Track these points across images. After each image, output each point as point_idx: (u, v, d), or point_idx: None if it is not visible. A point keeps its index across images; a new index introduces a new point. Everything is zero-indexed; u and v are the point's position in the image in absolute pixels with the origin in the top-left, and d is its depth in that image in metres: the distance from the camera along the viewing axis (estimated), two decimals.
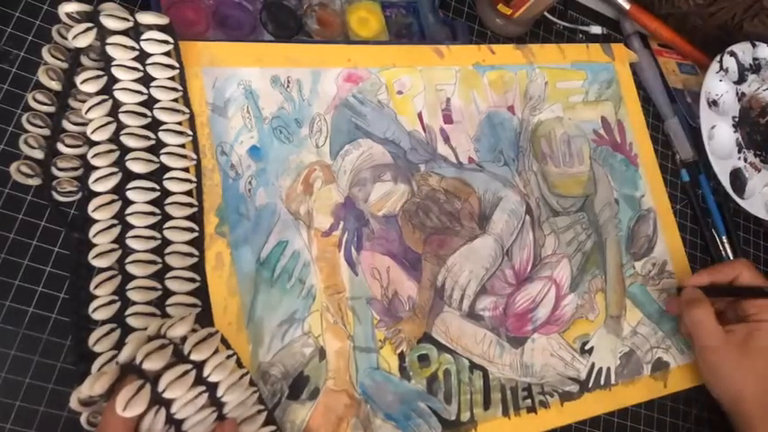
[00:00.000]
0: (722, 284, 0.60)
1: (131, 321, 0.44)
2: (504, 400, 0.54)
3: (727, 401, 0.58)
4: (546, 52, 0.67)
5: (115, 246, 0.45)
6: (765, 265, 0.74)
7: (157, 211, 0.47)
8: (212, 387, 0.41)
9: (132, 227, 0.46)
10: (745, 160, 0.72)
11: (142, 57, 0.48)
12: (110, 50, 0.47)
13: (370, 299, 0.52)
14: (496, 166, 0.61)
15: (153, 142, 0.47)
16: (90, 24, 0.47)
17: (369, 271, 0.53)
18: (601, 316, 0.61)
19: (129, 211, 0.46)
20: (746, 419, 0.56)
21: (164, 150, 0.47)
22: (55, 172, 0.46)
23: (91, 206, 0.45)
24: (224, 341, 0.43)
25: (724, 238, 0.71)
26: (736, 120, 0.73)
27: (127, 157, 0.46)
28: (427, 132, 0.59)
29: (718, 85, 0.73)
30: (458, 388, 0.53)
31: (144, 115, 0.47)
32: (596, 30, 0.73)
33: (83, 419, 0.42)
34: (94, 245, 0.44)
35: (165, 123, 0.48)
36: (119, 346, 0.42)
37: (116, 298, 0.44)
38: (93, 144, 0.46)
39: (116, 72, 0.47)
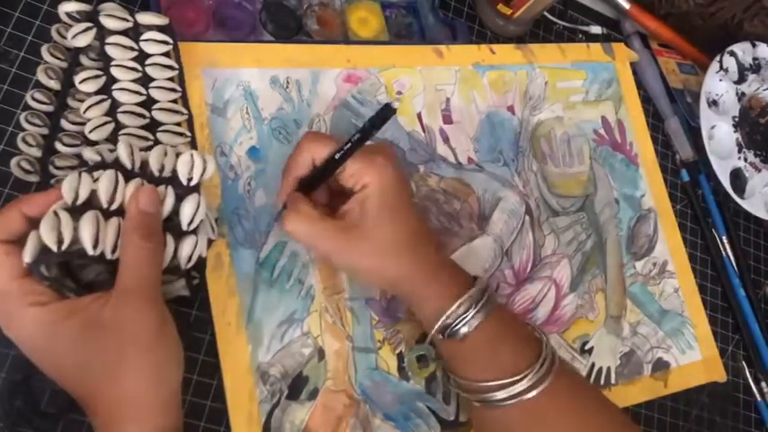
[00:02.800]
0: (311, 174, 0.48)
1: None
2: None
3: (392, 290, 0.51)
4: (546, 52, 0.67)
5: None
6: (766, 265, 0.74)
7: None
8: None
9: None
10: (746, 160, 0.72)
11: (141, 57, 0.48)
12: (109, 50, 0.47)
13: (368, 299, 0.52)
14: (496, 166, 0.61)
15: (151, 143, 0.47)
16: (89, 24, 0.46)
17: None
18: (601, 316, 0.61)
19: None
20: (416, 294, 0.48)
21: None
22: (53, 171, 0.46)
23: None
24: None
25: (724, 238, 0.71)
26: (737, 120, 0.73)
27: None
28: (426, 133, 0.59)
29: (718, 84, 0.72)
30: None
31: (142, 116, 0.47)
32: (596, 30, 0.73)
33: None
34: None
35: (164, 124, 0.48)
36: None
37: None
38: (91, 143, 0.45)
39: (115, 72, 0.47)
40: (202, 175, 0.42)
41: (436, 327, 0.47)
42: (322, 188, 0.49)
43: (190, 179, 0.42)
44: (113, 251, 0.39)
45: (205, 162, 0.42)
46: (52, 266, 0.39)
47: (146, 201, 0.40)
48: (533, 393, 0.45)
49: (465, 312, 0.46)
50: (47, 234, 0.37)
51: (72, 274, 0.40)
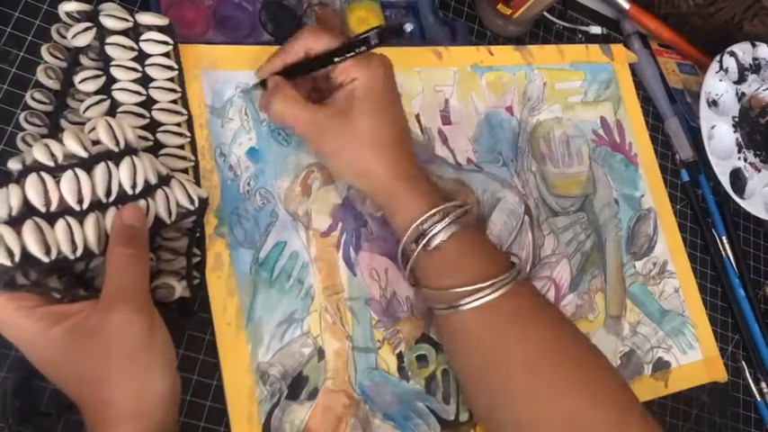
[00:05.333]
0: (299, 62, 0.50)
1: None
2: None
3: (366, 186, 0.50)
4: (545, 53, 0.67)
5: None
6: (766, 265, 0.74)
7: None
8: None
9: None
10: (745, 160, 0.72)
11: (141, 57, 0.48)
12: (109, 50, 0.47)
13: (368, 299, 0.52)
14: (495, 166, 0.61)
15: (151, 143, 0.47)
16: (89, 24, 0.47)
17: (367, 272, 0.53)
18: (601, 316, 0.61)
19: None
20: (392, 195, 0.49)
21: (162, 151, 0.47)
22: None
23: None
24: None
25: (724, 238, 0.71)
26: (736, 120, 0.73)
27: None
28: (425, 134, 0.59)
29: (718, 84, 0.72)
30: (456, 388, 0.53)
31: (142, 116, 0.47)
32: (596, 30, 0.73)
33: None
34: None
35: (164, 124, 0.48)
36: None
37: None
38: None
39: (115, 72, 0.47)
40: (126, 135, 0.41)
41: (411, 230, 0.47)
42: (306, 83, 0.51)
43: (117, 143, 0.41)
44: (99, 246, 0.39)
45: (120, 123, 0.42)
46: (30, 273, 0.39)
47: (129, 215, 0.40)
48: (493, 297, 0.46)
49: (441, 221, 0.47)
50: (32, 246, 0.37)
51: (61, 271, 0.40)
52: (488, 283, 0.46)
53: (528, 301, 0.49)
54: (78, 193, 0.39)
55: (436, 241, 0.47)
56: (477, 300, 0.46)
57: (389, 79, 0.50)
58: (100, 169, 0.40)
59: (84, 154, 0.40)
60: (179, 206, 0.43)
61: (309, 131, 0.49)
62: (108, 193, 0.40)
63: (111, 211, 0.40)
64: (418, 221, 0.47)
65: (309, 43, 0.49)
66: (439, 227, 0.47)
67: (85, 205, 0.39)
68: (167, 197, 0.42)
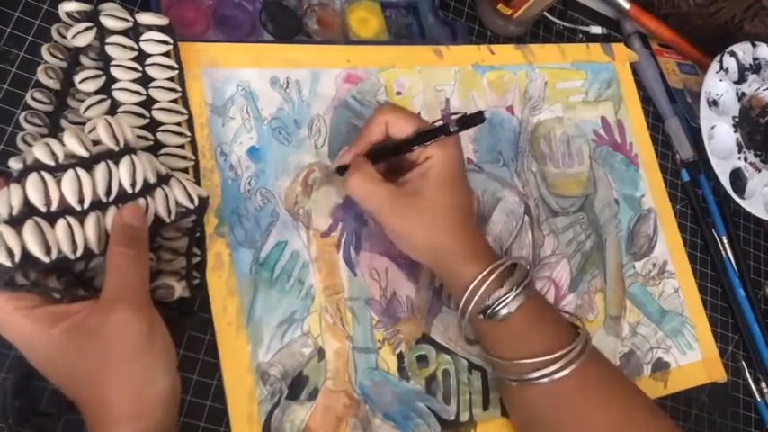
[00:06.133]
0: (380, 149, 0.51)
1: None
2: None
3: (432, 261, 0.51)
4: (546, 52, 0.66)
5: None
6: (766, 265, 0.74)
7: None
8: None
9: None
10: (746, 160, 0.72)
11: (141, 57, 0.48)
12: (109, 50, 0.47)
13: (368, 299, 0.52)
14: (495, 166, 0.61)
15: (151, 143, 0.47)
16: (90, 24, 0.47)
17: (367, 272, 0.53)
18: (600, 316, 0.61)
19: None
20: (456, 270, 0.49)
21: (162, 151, 0.47)
22: None
23: None
24: None
25: (724, 238, 0.71)
26: (737, 120, 0.73)
27: None
28: None
29: (718, 84, 0.72)
30: (456, 388, 0.53)
31: (142, 116, 0.47)
32: (596, 30, 0.73)
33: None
34: None
35: (164, 124, 0.48)
36: None
37: None
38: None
39: (115, 72, 0.47)
40: (125, 134, 0.41)
41: (473, 305, 0.48)
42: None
43: (117, 143, 0.41)
44: (99, 245, 0.39)
45: (119, 121, 0.41)
46: (29, 272, 0.39)
47: (129, 214, 0.40)
48: (564, 373, 0.47)
49: (506, 295, 0.47)
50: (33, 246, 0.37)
51: (60, 271, 0.40)
52: (557, 355, 0.47)
53: (596, 377, 0.49)
54: (79, 193, 0.39)
55: (503, 313, 0.47)
56: (547, 376, 0.47)
57: (461, 158, 0.51)
58: (100, 168, 0.40)
59: (84, 153, 0.40)
60: (178, 205, 0.43)
61: (384, 211, 0.49)
62: (108, 193, 0.40)
63: (111, 211, 0.40)
64: (484, 297, 0.48)
65: (390, 121, 0.50)
66: (504, 301, 0.47)
67: (86, 205, 0.39)
68: (167, 196, 0.42)
